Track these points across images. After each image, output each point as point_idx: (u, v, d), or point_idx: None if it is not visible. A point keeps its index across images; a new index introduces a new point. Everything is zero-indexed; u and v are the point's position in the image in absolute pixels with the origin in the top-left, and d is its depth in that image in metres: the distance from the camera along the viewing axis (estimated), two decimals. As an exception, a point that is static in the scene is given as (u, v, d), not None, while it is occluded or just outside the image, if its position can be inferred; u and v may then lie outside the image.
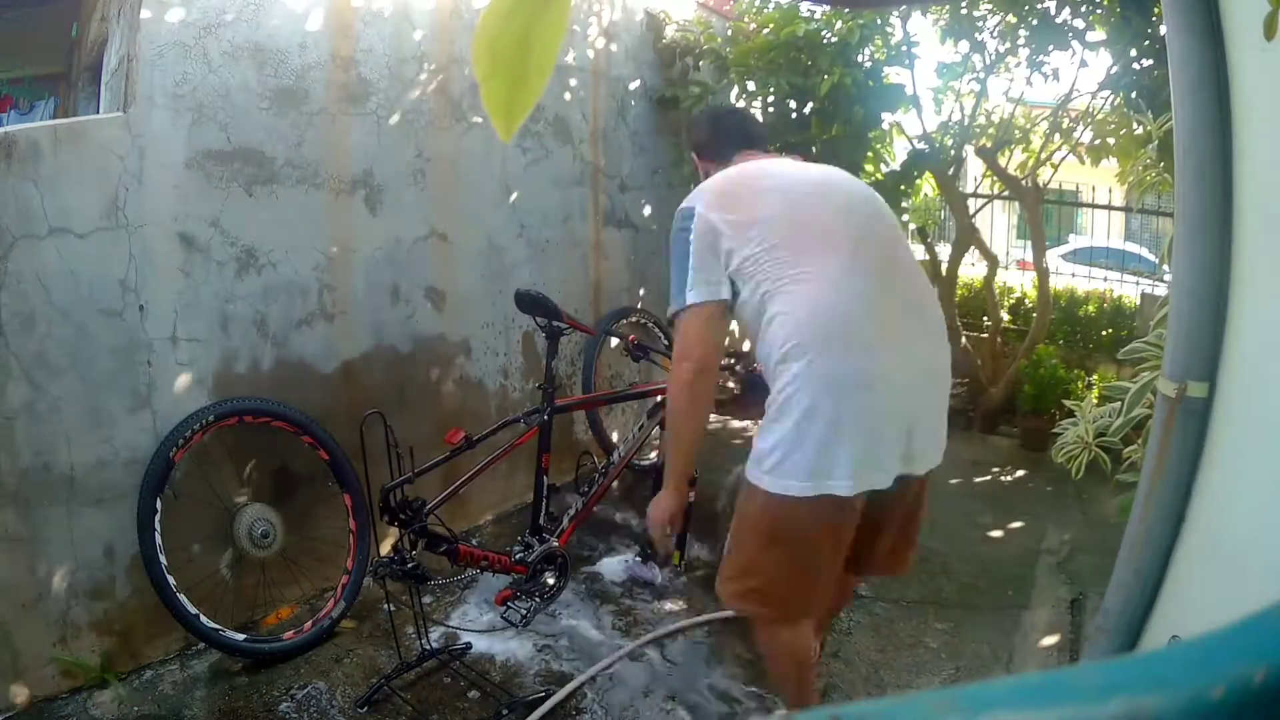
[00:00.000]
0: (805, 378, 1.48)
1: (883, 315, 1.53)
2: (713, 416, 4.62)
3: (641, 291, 4.06)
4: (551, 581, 2.40)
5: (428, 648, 2.22)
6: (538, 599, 2.35)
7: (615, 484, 2.89)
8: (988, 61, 4.16)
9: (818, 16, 3.83)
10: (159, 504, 2.11)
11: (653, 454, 3.42)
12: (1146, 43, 3.51)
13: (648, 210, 4.04)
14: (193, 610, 2.13)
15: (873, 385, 1.49)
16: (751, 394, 4.62)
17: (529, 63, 0.40)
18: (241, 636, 2.23)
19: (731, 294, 1.60)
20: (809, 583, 1.62)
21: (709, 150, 1.92)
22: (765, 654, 1.82)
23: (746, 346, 4.90)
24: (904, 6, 3.78)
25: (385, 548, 2.67)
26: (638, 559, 2.84)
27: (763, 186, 1.67)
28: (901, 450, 1.54)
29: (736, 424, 4.53)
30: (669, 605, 2.64)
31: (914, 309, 1.61)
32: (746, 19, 4.35)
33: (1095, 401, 2.69)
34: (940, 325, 1.66)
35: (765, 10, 4.25)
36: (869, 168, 4.25)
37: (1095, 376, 4.26)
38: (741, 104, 4.26)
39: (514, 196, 3.25)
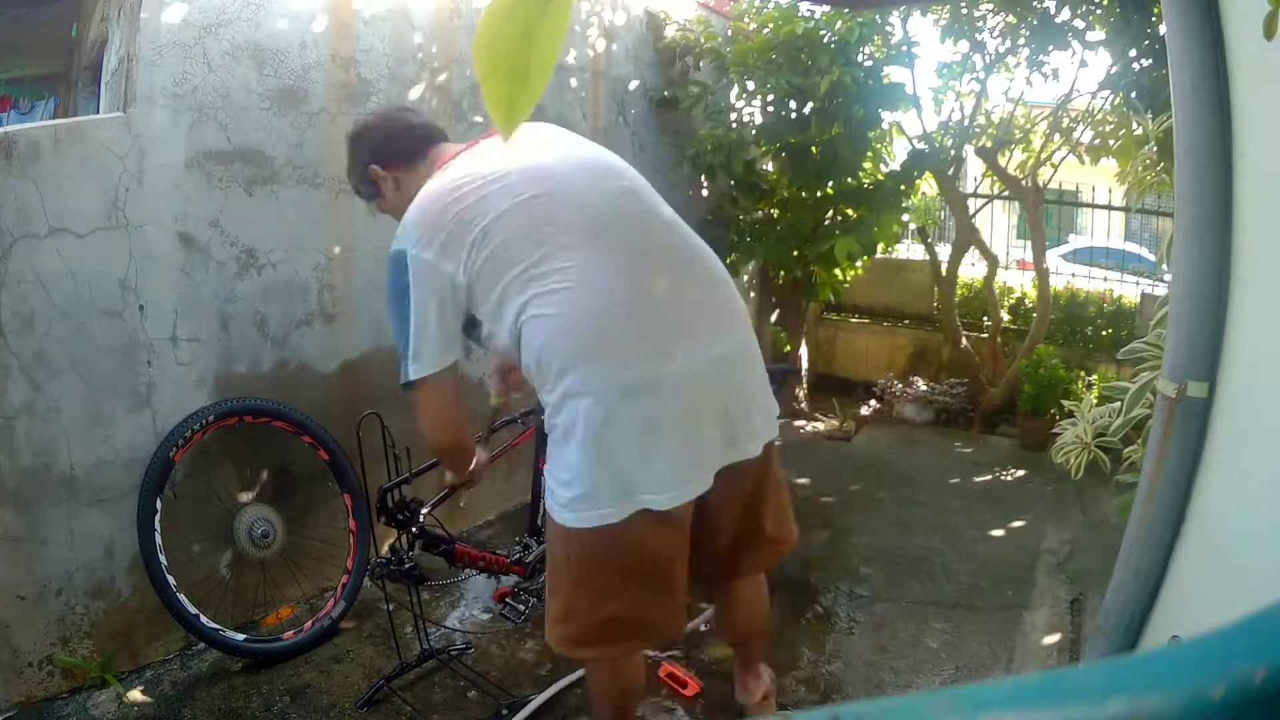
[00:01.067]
0: (584, 394, 1.31)
1: (657, 309, 1.36)
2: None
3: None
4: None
5: (427, 648, 2.22)
6: (536, 598, 2.35)
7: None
8: (988, 61, 4.17)
9: (817, 16, 3.83)
10: (159, 504, 2.11)
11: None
12: (1146, 43, 3.51)
13: (648, 210, 4.04)
14: (193, 610, 2.13)
15: (654, 386, 1.32)
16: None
17: (530, 62, 0.40)
18: (241, 636, 2.23)
19: (473, 329, 1.44)
20: (643, 611, 1.43)
21: (392, 154, 1.58)
22: (592, 693, 1.71)
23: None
24: (904, 7, 3.78)
25: (385, 548, 2.67)
26: None
27: (477, 193, 1.38)
28: (711, 448, 1.39)
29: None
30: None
31: (695, 290, 1.43)
32: (746, 19, 4.35)
33: (1095, 401, 2.68)
34: (729, 301, 1.48)
35: (765, 10, 4.25)
36: (869, 167, 4.25)
37: (1095, 376, 4.26)
38: (741, 103, 4.27)
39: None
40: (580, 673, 2.21)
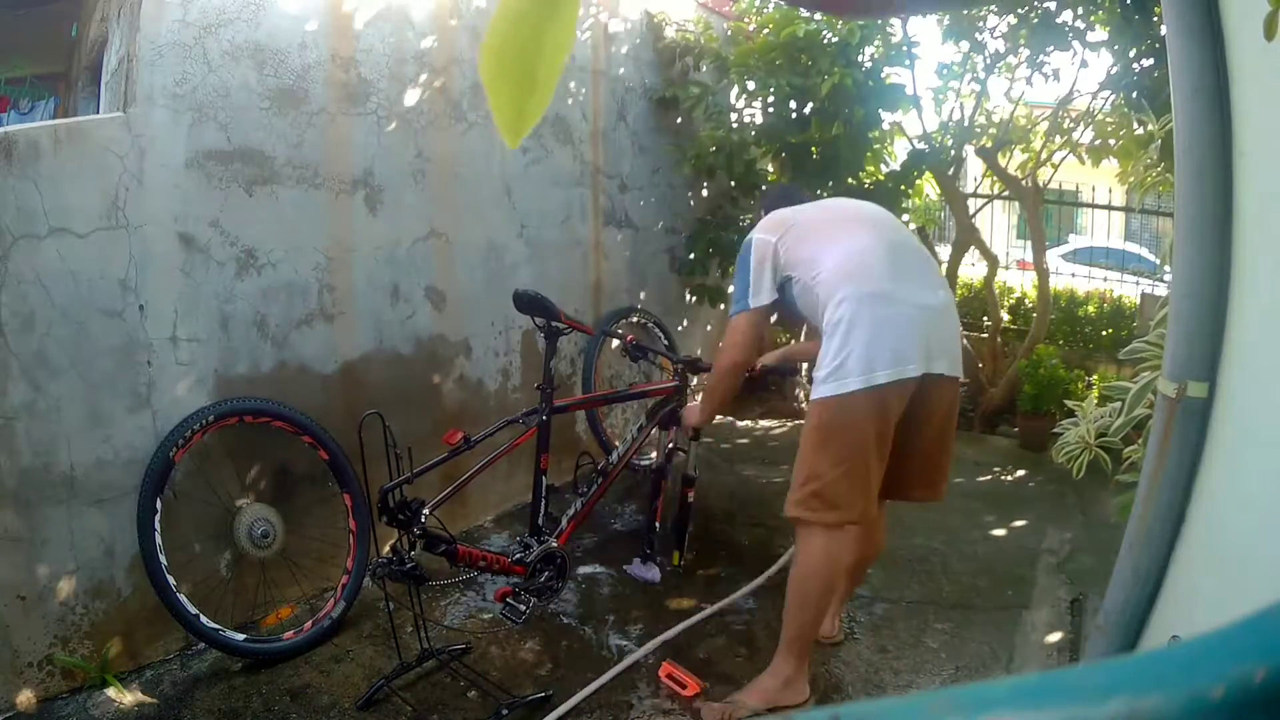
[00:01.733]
0: (846, 302, 1.91)
1: (896, 264, 1.98)
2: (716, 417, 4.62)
3: (642, 293, 4.06)
4: (551, 582, 2.40)
5: (427, 648, 2.22)
6: (536, 598, 2.35)
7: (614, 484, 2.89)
8: (988, 62, 4.17)
9: (818, 17, 3.83)
10: (159, 504, 2.11)
11: (652, 454, 3.42)
12: (1147, 43, 3.51)
13: (648, 210, 4.04)
14: (193, 610, 2.13)
15: (892, 300, 1.91)
16: (754, 394, 4.61)
17: (537, 70, 0.40)
18: (241, 636, 2.23)
19: (781, 293, 2.11)
20: (861, 483, 1.92)
21: (777, 206, 2.32)
22: (803, 571, 1.99)
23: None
24: (905, 14, 3.78)
25: (385, 548, 2.67)
26: (638, 560, 2.84)
27: (793, 212, 2.20)
28: (922, 351, 1.90)
29: (740, 424, 4.53)
30: (670, 604, 2.64)
31: (920, 266, 2.04)
32: (746, 19, 4.35)
33: (1095, 401, 2.68)
34: (943, 282, 2.10)
35: (765, 11, 4.25)
36: (869, 167, 4.25)
37: (1095, 376, 4.26)
38: (742, 104, 4.27)
39: (514, 196, 3.25)
40: (590, 688, 2.21)
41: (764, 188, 2.63)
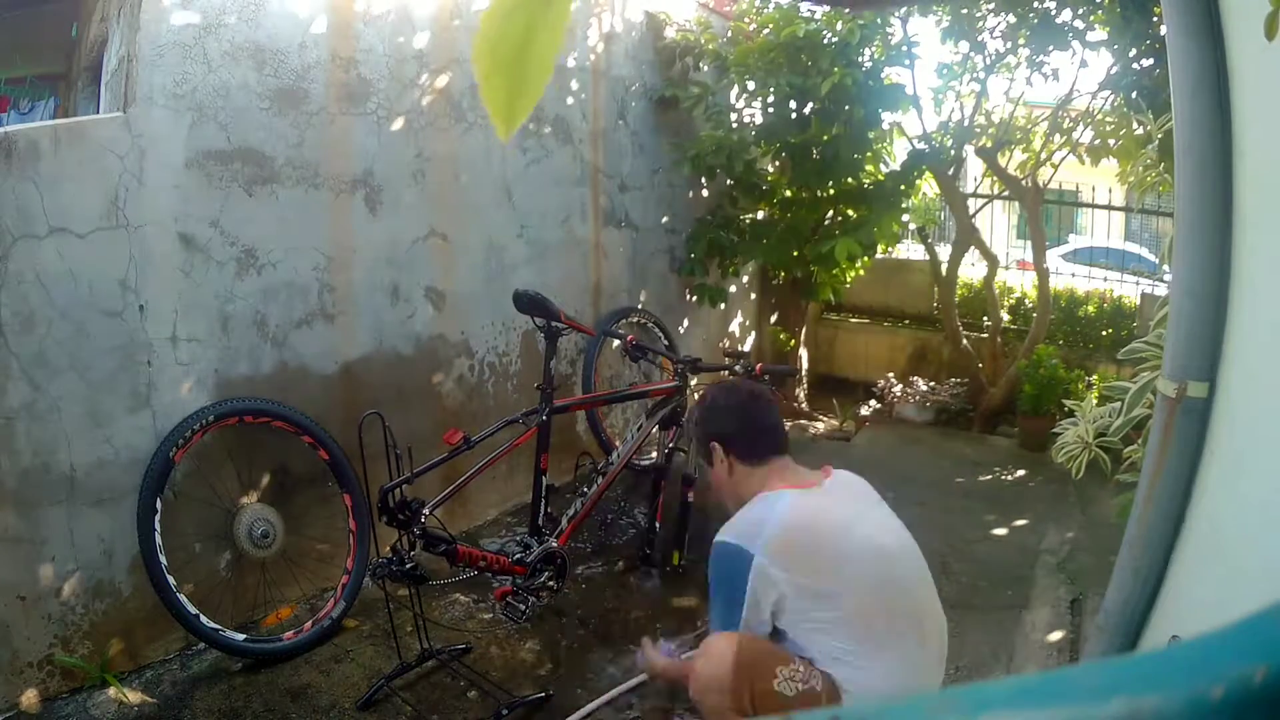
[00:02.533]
0: None
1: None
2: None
3: (642, 293, 4.06)
4: (550, 581, 2.40)
5: (427, 648, 2.22)
6: (535, 597, 2.35)
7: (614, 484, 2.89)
8: (988, 62, 4.17)
9: (818, 17, 3.84)
10: (159, 504, 2.11)
11: (652, 453, 3.42)
12: (1147, 43, 3.51)
13: (648, 210, 4.04)
14: (193, 610, 2.13)
15: None
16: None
17: (529, 64, 0.40)
18: (241, 636, 2.23)
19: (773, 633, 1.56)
20: None
21: (738, 446, 1.72)
22: None
23: (748, 346, 4.90)
24: (904, 7, 3.78)
25: (385, 548, 2.67)
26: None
27: (839, 551, 1.53)
28: None
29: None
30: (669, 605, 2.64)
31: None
32: (746, 19, 4.35)
33: (1095, 401, 2.68)
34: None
35: (765, 10, 4.25)
36: (869, 167, 4.25)
37: (1095, 376, 4.26)
38: (742, 104, 4.27)
39: (514, 196, 3.25)
40: (595, 704, 2.21)
41: (712, 399, 1.80)
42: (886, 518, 1.66)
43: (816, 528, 1.56)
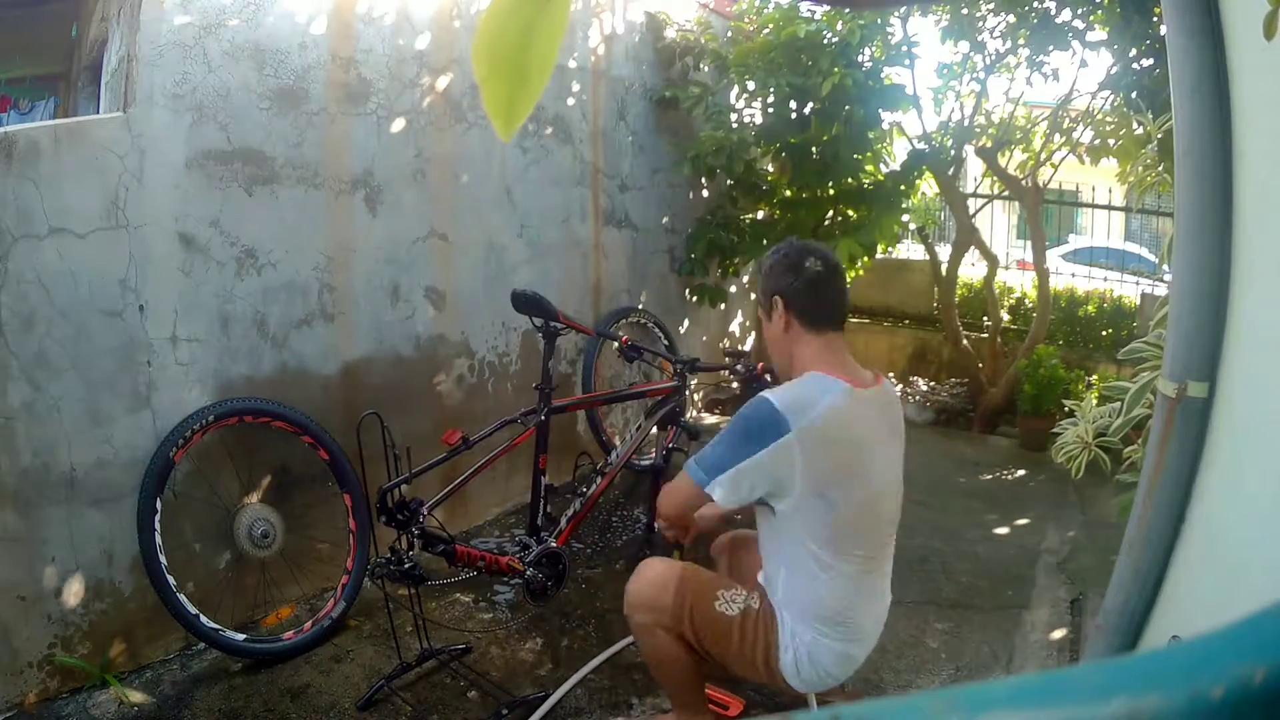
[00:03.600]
0: (810, 643, 1.62)
1: (873, 602, 1.69)
2: (717, 416, 4.62)
3: (642, 293, 4.06)
4: (549, 581, 2.40)
5: (427, 648, 2.22)
6: (535, 598, 2.35)
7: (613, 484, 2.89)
8: (988, 61, 4.17)
9: (818, 17, 3.84)
10: (159, 504, 2.11)
11: (651, 453, 3.42)
12: (1146, 43, 3.51)
13: (648, 210, 4.04)
14: (193, 610, 2.13)
15: (852, 651, 1.66)
16: (755, 394, 4.60)
17: (529, 63, 0.40)
18: (241, 636, 2.23)
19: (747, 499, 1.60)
20: None
21: (800, 308, 1.69)
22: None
23: (748, 346, 4.90)
24: (904, 7, 3.78)
25: (385, 548, 2.67)
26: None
27: (857, 466, 1.60)
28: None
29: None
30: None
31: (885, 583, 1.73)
32: (746, 19, 4.35)
33: (1095, 401, 2.68)
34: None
35: (765, 10, 4.25)
36: (869, 168, 4.25)
37: (1095, 376, 4.26)
38: (742, 104, 4.27)
39: (514, 196, 3.25)
40: (573, 679, 2.21)
41: (794, 257, 1.72)
42: (898, 454, 1.72)
43: (851, 437, 1.59)
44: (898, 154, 4.39)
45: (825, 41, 3.82)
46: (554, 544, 2.40)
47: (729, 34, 4.28)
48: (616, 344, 2.98)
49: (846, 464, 1.58)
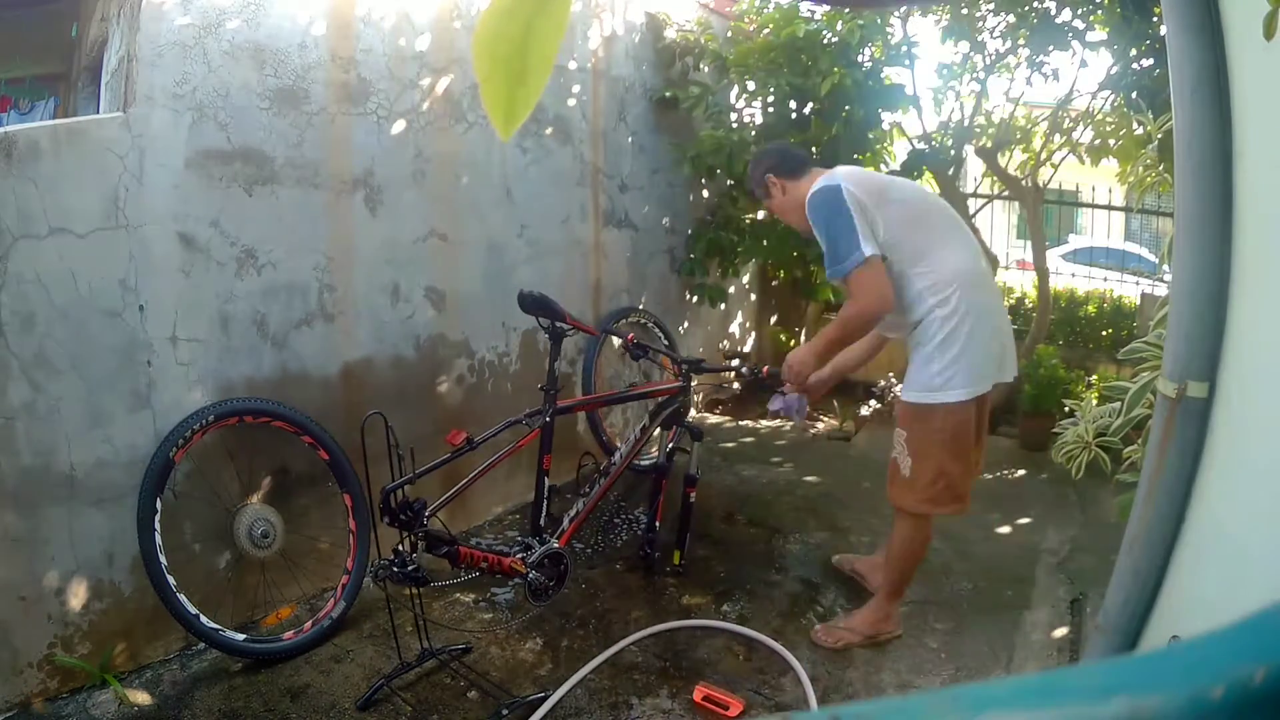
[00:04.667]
0: (961, 315, 2.08)
1: (988, 277, 2.24)
2: (718, 416, 4.62)
3: (642, 293, 4.06)
4: (552, 582, 2.40)
5: (427, 648, 2.22)
6: (537, 599, 2.35)
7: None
8: (988, 62, 4.17)
9: (818, 17, 3.84)
10: (159, 504, 2.11)
11: (653, 453, 3.42)
12: (1146, 43, 3.51)
13: (648, 210, 4.04)
14: (193, 610, 2.13)
15: (993, 312, 2.17)
16: (756, 394, 4.61)
17: (528, 63, 0.40)
18: (241, 636, 2.23)
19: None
20: (969, 474, 2.26)
21: (786, 170, 2.33)
22: (908, 549, 2.30)
23: (749, 346, 4.90)
24: (904, 7, 3.78)
25: (385, 548, 2.67)
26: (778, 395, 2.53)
27: (880, 181, 2.26)
28: (1005, 361, 2.22)
29: (741, 424, 4.53)
30: (661, 603, 2.64)
31: (992, 279, 2.27)
32: (746, 19, 4.35)
33: (1095, 401, 2.68)
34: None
35: (765, 10, 4.25)
36: (869, 168, 4.25)
37: (1095, 376, 4.26)
38: (742, 104, 4.27)
39: (514, 196, 3.25)
40: (572, 680, 2.22)
41: (758, 152, 2.51)
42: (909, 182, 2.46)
43: (868, 175, 2.31)
44: (898, 154, 4.38)
45: (825, 41, 3.82)
46: (557, 544, 2.40)
47: (729, 34, 4.28)
48: (621, 342, 2.98)
49: (881, 183, 2.21)
